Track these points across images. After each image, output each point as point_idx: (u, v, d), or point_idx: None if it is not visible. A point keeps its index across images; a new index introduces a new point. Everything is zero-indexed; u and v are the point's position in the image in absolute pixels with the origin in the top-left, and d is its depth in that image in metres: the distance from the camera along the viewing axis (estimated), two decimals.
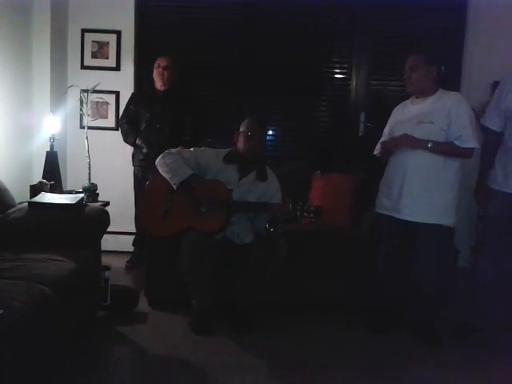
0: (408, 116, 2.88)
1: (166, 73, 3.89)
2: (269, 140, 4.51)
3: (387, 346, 2.86)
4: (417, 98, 2.89)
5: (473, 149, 2.77)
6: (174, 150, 3.08)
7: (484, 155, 2.90)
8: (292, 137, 4.52)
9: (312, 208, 2.80)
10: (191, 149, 3.13)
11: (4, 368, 1.78)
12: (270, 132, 4.51)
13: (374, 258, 3.04)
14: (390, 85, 4.35)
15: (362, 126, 4.31)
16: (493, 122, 2.85)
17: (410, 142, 2.79)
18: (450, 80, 4.07)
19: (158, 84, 3.94)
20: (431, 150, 2.75)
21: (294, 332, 2.99)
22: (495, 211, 2.85)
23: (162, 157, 3.03)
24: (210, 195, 2.90)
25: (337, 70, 4.47)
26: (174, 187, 2.92)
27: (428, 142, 2.74)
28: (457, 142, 2.75)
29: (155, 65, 3.94)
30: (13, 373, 1.83)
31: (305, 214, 2.78)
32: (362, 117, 4.31)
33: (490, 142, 2.88)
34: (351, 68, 4.36)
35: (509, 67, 2.81)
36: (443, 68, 2.87)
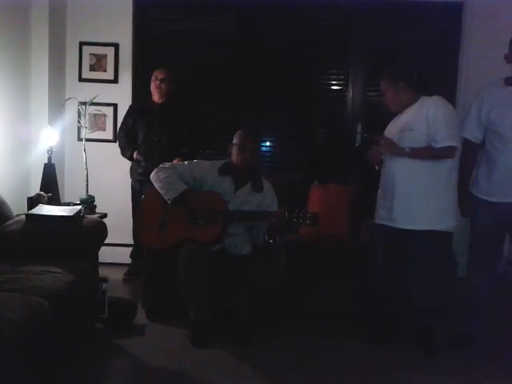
0: (395, 126, 2.92)
1: (163, 85, 3.91)
2: (266, 151, 4.53)
3: (387, 356, 2.85)
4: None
5: (450, 147, 2.74)
6: (167, 165, 3.09)
7: (462, 166, 2.88)
8: (289, 148, 4.52)
9: (308, 215, 2.81)
10: (185, 162, 3.14)
11: (2, 380, 1.76)
12: (267, 143, 4.53)
13: (372, 269, 3.04)
14: None
15: (358, 136, 4.32)
16: (472, 134, 2.89)
17: (388, 146, 2.84)
18: (444, 81, 4.13)
19: (156, 97, 3.95)
20: (410, 155, 2.78)
21: (293, 343, 2.98)
22: (482, 220, 2.87)
23: (155, 172, 3.03)
24: (206, 207, 2.90)
25: (333, 82, 4.50)
26: (168, 202, 2.93)
27: (405, 148, 2.78)
28: (433, 144, 2.76)
29: (152, 77, 3.95)
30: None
31: (301, 221, 2.79)
32: (359, 128, 4.33)
33: (469, 153, 2.89)
34: (347, 79, 4.39)
35: (506, 68, 2.81)
36: (414, 75, 2.88)
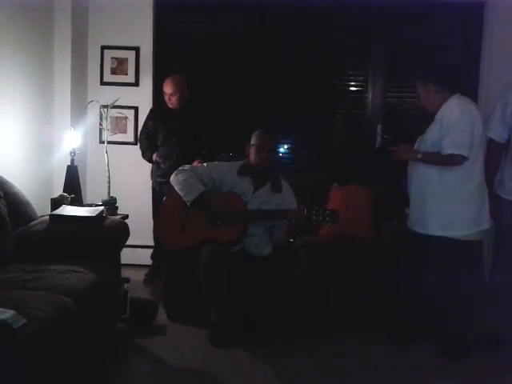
0: None
1: (173, 98, 3.94)
2: (285, 153, 4.53)
3: (411, 358, 2.82)
4: None
5: (455, 155, 2.68)
6: (187, 167, 3.11)
7: (486, 166, 2.84)
8: (308, 150, 4.51)
9: (327, 212, 2.79)
10: (204, 164, 3.17)
11: (27, 376, 1.79)
12: (286, 146, 4.52)
13: (395, 271, 3.01)
14: (407, 96, 4.33)
15: (378, 138, 4.30)
16: (497, 134, 2.86)
17: (403, 152, 2.83)
18: (466, 82, 4.06)
19: (169, 106, 3.99)
20: (422, 160, 2.77)
21: (316, 344, 2.97)
22: (507, 221, 2.83)
23: (175, 174, 3.07)
24: (226, 207, 2.91)
25: (352, 83, 4.49)
26: (188, 204, 2.95)
27: (418, 153, 2.77)
28: (441, 150, 2.74)
29: (163, 89, 3.98)
30: (36, 381, 1.84)
31: (320, 218, 2.78)
32: (379, 129, 4.31)
33: (494, 152, 2.86)
34: (367, 80, 4.37)
35: None
36: (442, 75, 2.85)
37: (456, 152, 2.68)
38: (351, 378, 2.60)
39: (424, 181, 2.80)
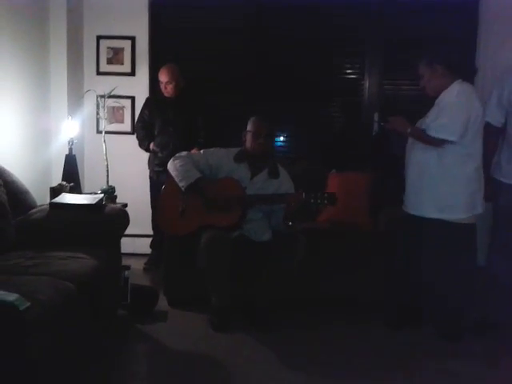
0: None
1: (169, 87, 3.94)
2: (282, 141, 4.55)
3: (410, 341, 2.86)
4: None
5: (438, 139, 2.71)
6: (184, 153, 3.13)
7: (485, 149, 2.85)
8: (306, 137, 4.52)
9: (325, 194, 2.82)
10: (201, 151, 3.19)
11: (33, 357, 1.81)
12: (283, 134, 4.53)
13: (392, 255, 3.04)
14: (403, 84, 4.36)
15: (375, 125, 4.30)
16: (494, 118, 2.88)
17: (398, 123, 2.87)
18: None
19: (166, 95, 4.00)
20: (410, 134, 2.83)
21: (315, 329, 3.00)
22: (505, 204, 2.86)
23: (172, 160, 3.09)
24: (224, 193, 2.93)
25: (349, 71, 4.50)
26: (183, 189, 2.97)
27: (409, 127, 2.81)
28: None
29: (159, 78, 3.98)
30: (41, 361, 1.86)
31: (318, 201, 2.80)
32: (376, 116, 4.31)
33: (491, 136, 2.88)
34: (364, 68, 4.38)
35: None
36: (452, 58, 2.84)
37: (437, 136, 2.70)
38: (351, 363, 2.63)
39: (422, 163, 2.82)
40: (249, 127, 3.07)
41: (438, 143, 2.73)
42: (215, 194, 2.94)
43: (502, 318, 2.92)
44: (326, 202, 2.80)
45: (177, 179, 3.01)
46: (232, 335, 2.87)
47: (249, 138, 3.05)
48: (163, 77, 3.95)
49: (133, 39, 4.38)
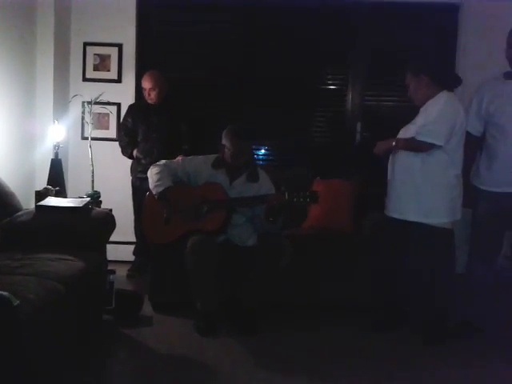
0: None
1: (152, 93, 3.96)
2: (267, 149, 4.60)
3: (389, 344, 2.90)
4: None
5: (427, 143, 2.78)
6: (162, 162, 3.17)
7: (465, 158, 2.94)
8: (292, 145, 4.57)
9: (307, 193, 2.86)
10: (179, 158, 3.24)
11: (22, 354, 1.79)
12: (268, 142, 4.58)
13: (375, 260, 3.10)
14: (383, 95, 4.49)
15: (358, 135, 4.41)
16: (473, 127, 2.97)
17: (380, 148, 2.96)
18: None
19: (149, 101, 4.01)
20: (396, 147, 2.89)
21: (302, 333, 3.02)
22: (483, 210, 2.94)
23: (151, 168, 3.14)
24: (188, 206, 2.96)
25: (331, 82, 4.59)
26: (156, 197, 3.02)
27: (392, 141, 2.89)
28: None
29: (142, 85, 4.00)
30: (30, 360, 1.85)
31: (301, 200, 2.83)
32: (359, 127, 4.42)
33: (470, 145, 2.96)
34: (347, 80, 4.48)
35: (502, 66, 2.92)
36: (436, 68, 2.93)
37: (428, 140, 2.78)
38: (338, 366, 2.66)
39: (406, 168, 2.89)
40: (226, 143, 3.03)
41: (427, 147, 2.79)
42: (178, 206, 2.95)
43: (481, 322, 2.99)
44: (308, 200, 2.84)
45: (151, 187, 3.07)
46: (217, 339, 2.87)
47: (227, 155, 3.04)
48: (146, 83, 3.97)
49: (120, 46, 4.39)
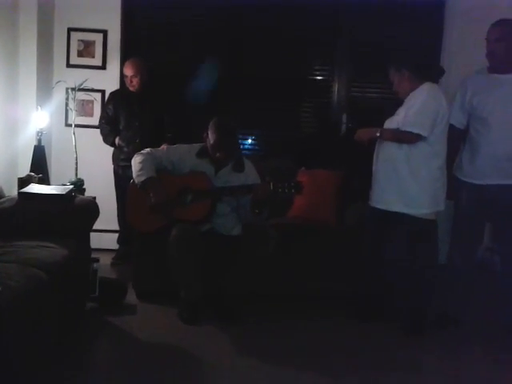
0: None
1: (134, 80, 3.92)
2: (253, 139, 4.59)
3: (372, 334, 2.94)
4: None
5: (412, 133, 2.81)
6: (145, 150, 3.13)
7: (448, 150, 2.97)
8: (277, 136, 4.58)
9: (292, 183, 2.87)
10: (164, 146, 3.23)
11: (4, 342, 1.79)
12: (254, 133, 4.58)
13: (358, 250, 3.13)
14: (369, 87, 4.51)
15: (343, 127, 4.43)
16: (457, 120, 3.00)
17: (360, 135, 3.00)
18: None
19: (131, 89, 3.98)
20: (381, 137, 2.93)
21: (288, 323, 3.04)
22: (465, 202, 2.99)
23: (134, 157, 3.11)
24: (168, 199, 2.94)
25: (317, 73, 4.59)
26: (138, 187, 3.00)
27: (377, 131, 2.92)
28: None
29: (123, 71, 3.97)
30: (11, 347, 1.84)
31: (286, 191, 2.84)
32: (344, 118, 4.44)
33: (453, 138, 3.00)
34: (333, 72, 4.48)
35: (486, 62, 2.95)
36: (416, 62, 2.97)
37: (414, 131, 2.81)
38: (324, 354, 2.68)
39: (390, 159, 2.91)
40: (210, 137, 3.01)
41: (412, 138, 2.82)
42: (158, 198, 2.92)
43: (461, 312, 3.04)
44: (293, 190, 2.85)
45: (133, 176, 3.05)
46: (201, 328, 2.88)
47: (209, 146, 3.04)
48: (128, 70, 3.92)
49: (105, 32, 4.33)
